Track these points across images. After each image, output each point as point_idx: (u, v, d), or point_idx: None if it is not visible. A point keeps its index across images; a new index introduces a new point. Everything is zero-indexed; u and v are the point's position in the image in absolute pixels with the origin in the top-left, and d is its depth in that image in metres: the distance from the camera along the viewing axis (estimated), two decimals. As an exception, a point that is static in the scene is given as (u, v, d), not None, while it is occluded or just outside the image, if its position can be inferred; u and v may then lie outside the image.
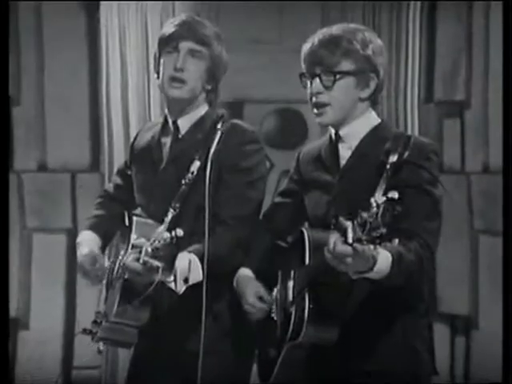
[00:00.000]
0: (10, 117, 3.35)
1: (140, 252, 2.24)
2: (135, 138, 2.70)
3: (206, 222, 2.28)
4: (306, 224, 2.35)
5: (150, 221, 2.43)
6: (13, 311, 3.69)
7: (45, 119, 3.93)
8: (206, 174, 2.31)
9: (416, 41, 3.98)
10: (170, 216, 2.35)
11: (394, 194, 1.82)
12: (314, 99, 2.26)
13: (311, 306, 2.09)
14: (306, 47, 2.27)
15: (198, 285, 2.32)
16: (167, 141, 2.54)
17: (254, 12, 3.89)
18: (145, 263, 2.23)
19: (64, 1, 3.85)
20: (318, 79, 2.24)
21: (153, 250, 2.24)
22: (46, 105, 3.93)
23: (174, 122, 2.54)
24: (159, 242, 2.25)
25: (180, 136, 2.52)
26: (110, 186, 2.73)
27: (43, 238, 3.94)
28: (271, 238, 2.41)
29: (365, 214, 1.82)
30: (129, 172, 2.66)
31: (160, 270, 2.23)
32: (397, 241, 1.83)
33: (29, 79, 3.90)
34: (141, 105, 3.91)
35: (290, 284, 2.23)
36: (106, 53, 3.92)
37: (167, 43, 2.49)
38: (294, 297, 2.20)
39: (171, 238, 2.25)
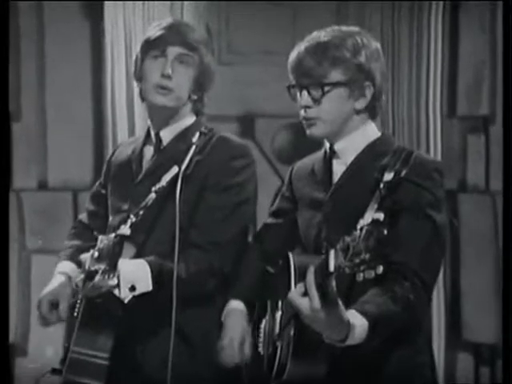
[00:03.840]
0: (9, 133, 3.21)
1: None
2: (113, 154, 2.50)
3: (176, 240, 2.08)
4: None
5: None
6: (10, 336, 3.52)
7: (46, 135, 3.77)
8: (176, 187, 2.10)
9: (438, 52, 3.84)
10: (128, 222, 2.13)
11: (380, 216, 1.61)
12: (302, 113, 2.08)
13: (295, 339, 1.89)
14: (292, 56, 2.08)
15: (166, 309, 2.12)
16: (148, 154, 2.36)
17: (265, 23, 3.74)
18: (89, 270, 2.04)
19: (66, 1, 3.70)
20: (306, 92, 2.05)
21: (99, 254, 2.05)
22: (48, 120, 3.76)
23: (157, 134, 2.35)
24: (103, 243, 2.07)
25: (162, 147, 2.34)
26: (83, 216, 2.53)
27: (43, 260, 3.77)
28: (262, 263, 2.21)
29: (348, 238, 1.61)
30: (103, 191, 2.46)
31: (100, 272, 2.03)
32: (381, 268, 1.59)
33: (29, 93, 3.74)
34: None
35: (278, 315, 2.03)
36: (112, 64, 3.76)
37: (153, 47, 2.31)
38: (280, 329, 1.99)
39: (115, 237, 2.06)
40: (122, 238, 2.09)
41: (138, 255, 2.21)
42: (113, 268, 2.06)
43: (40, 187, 3.78)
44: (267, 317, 2.09)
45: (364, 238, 1.57)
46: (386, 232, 1.56)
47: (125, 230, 2.10)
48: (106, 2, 3.65)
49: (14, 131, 3.66)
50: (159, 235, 2.20)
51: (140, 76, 2.34)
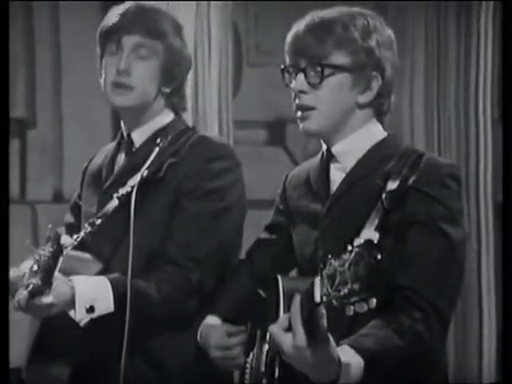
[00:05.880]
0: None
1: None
2: (89, 161, 2.26)
3: (130, 255, 1.84)
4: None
5: (86, 255, 1.98)
6: (15, 361, 3.30)
7: (62, 143, 3.56)
8: (142, 192, 1.85)
9: (488, 51, 3.56)
10: (82, 233, 1.90)
11: (374, 236, 1.30)
12: (296, 100, 1.77)
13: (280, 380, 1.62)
14: (290, 34, 1.78)
15: (134, 333, 1.87)
16: (121, 159, 2.11)
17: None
18: (27, 287, 1.80)
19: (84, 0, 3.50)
20: (302, 74, 1.75)
21: (37, 266, 1.82)
22: (64, 128, 3.55)
23: (129, 136, 2.10)
24: (41, 254, 1.83)
25: (134, 150, 2.08)
26: (62, 230, 2.29)
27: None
28: (252, 284, 1.92)
29: (335, 263, 1.30)
30: (80, 202, 2.24)
31: (31, 288, 1.78)
32: (374, 301, 1.28)
33: (45, 99, 3.52)
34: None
35: (265, 349, 1.74)
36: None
37: (108, 39, 2.07)
38: (266, 364, 1.71)
39: (53, 247, 1.81)
40: (59, 249, 1.83)
41: (104, 272, 1.97)
42: (47, 283, 1.82)
43: (55, 199, 3.56)
44: (255, 349, 1.81)
45: (353, 263, 1.27)
46: (379, 256, 1.25)
47: (67, 239, 1.86)
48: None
49: (28, 139, 3.48)
50: (128, 249, 1.95)
51: (101, 74, 2.13)
